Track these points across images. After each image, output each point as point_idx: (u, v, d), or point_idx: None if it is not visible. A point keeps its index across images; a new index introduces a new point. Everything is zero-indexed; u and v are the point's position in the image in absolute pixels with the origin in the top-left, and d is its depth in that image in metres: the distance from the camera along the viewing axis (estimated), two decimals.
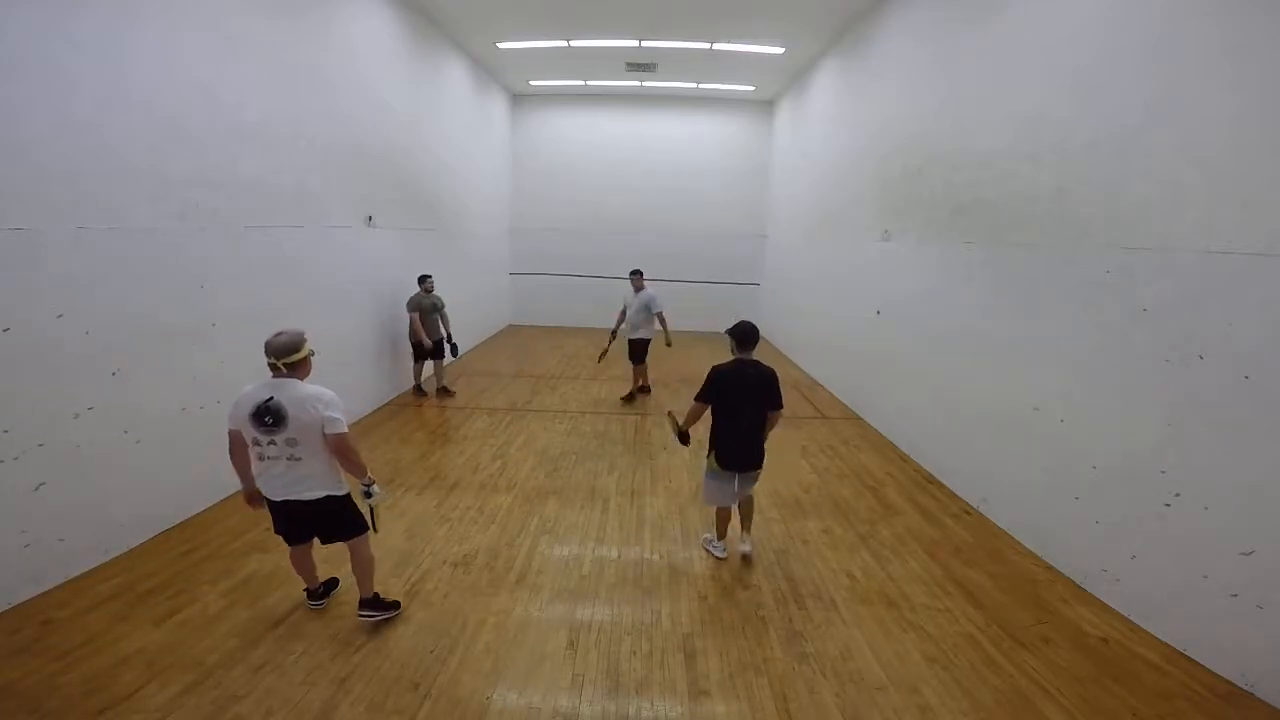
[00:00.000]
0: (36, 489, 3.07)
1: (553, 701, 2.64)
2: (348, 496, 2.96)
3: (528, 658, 2.89)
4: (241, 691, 2.59)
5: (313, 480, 2.82)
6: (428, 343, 6.78)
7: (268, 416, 2.68)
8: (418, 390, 7.15)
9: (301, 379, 2.80)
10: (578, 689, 2.71)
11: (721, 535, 3.88)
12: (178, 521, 3.93)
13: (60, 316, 3.15)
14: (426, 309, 6.73)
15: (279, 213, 4.86)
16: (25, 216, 2.97)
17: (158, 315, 3.74)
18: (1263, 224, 2.71)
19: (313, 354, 2.87)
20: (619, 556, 3.83)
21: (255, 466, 2.83)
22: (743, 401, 3.51)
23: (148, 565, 3.46)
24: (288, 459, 2.75)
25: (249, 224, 4.50)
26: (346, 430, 2.79)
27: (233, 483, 4.30)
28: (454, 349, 7.13)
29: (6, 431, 2.93)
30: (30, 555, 3.06)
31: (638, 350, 7.14)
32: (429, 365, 7.10)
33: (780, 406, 3.59)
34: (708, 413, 3.63)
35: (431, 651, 2.90)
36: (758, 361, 3.59)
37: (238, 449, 2.84)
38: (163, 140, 3.72)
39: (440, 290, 6.97)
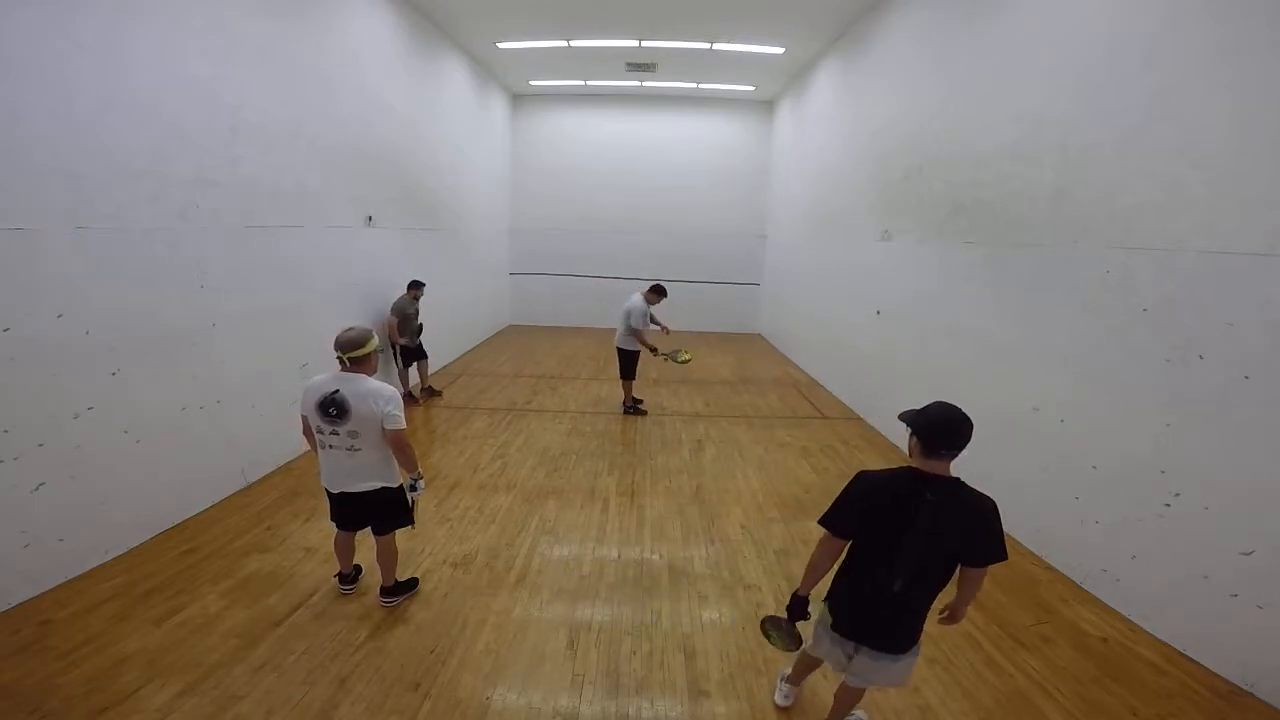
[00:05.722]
0: (36, 489, 3.07)
1: (553, 701, 2.64)
2: (400, 489, 3.10)
3: (528, 658, 2.89)
4: (241, 691, 2.59)
5: (369, 470, 2.96)
6: (402, 341, 6.57)
7: (332, 408, 2.82)
8: (409, 397, 6.88)
9: (367, 374, 2.93)
10: (578, 689, 2.71)
11: (796, 680, 2.64)
12: (178, 521, 3.92)
13: (60, 316, 3.15)
14: (411, 316, 6.55)
15: (279, 213, 4.85)
16: (25, 216, 2.96)
17: (158, 315, 3.74)
18: (1262, 224, 2.71)
19: (379, 350, 3.01)
20: (619, 556, 3.83)
21: (319, 454, 2.99)
22: (903, 547, 1.95)
23: (148, 565, 3.46)
24: (348, 449, 2.90)
25: (249, 224, 4.50)
26: (405, 427, 2.92)
27: (232, 483, 4.40)
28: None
29: (6, 431, 2.93)
30: (30, 555, 3.06)
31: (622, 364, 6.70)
32: (412, 372, 6.93)
33: (998, 558, 2.00)
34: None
35: (431, 651, 2.90)
36: (959, 482, 1.99)
37: (309, 433, 2.99)
38: (163, 140, 3.71)
39: (440, 290, 6.86)
